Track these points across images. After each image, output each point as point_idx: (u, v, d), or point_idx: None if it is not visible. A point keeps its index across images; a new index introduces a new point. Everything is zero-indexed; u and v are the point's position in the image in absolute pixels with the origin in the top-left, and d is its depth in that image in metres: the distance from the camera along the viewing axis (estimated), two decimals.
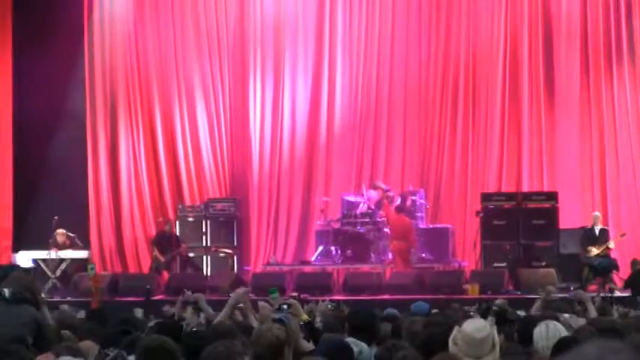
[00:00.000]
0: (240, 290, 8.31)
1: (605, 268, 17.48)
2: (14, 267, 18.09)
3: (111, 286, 17.91)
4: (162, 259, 19.03)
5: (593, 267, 17.43)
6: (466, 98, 20.29)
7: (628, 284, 16.49)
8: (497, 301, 9.82)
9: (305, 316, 6.94)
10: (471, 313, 9.85)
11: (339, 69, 20.84)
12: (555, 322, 6.32)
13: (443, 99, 20.43)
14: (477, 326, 5.53)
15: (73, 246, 19.28)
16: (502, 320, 7.82)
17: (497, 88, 20.11)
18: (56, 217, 19.24)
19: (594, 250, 17.75)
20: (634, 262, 17.40)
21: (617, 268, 17.60)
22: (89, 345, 6.55)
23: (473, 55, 20.30)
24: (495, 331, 5.74)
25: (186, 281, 17.11)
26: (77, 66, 21.16)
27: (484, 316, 7.97)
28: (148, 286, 16.43)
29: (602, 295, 13.88)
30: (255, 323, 7.69)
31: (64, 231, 19.22)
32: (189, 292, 9.54)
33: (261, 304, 8.13)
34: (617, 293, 15.67)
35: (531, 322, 6.65)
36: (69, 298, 16.64)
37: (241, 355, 4.75)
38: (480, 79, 20.28)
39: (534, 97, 19.98)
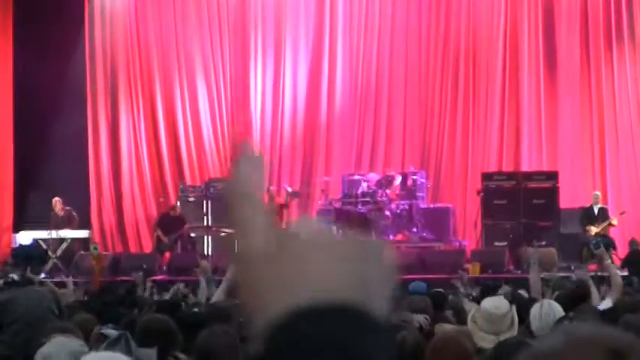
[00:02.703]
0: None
1: (604, 247, 17.42)
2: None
3: (112, 266, 17.92)
4: (165, 240, 19.03)
5: (590, 247, 17.38)
6: (466, 78, 20.26)
7: (625, 264, 16.48)
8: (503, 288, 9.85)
9: None
10: (473, 293, 9.88)
11: (340, 48, 20.80)
12: (551, 302, 6.32)
13: (443, 79, 20.41)
14: (495, 303, 5.56)
15: (69, 219, 19.25)
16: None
17: (497, 67, 20.08)
18: (56, 198, 19.24)
19: (593, 229, 17.76)
20: (632, 242, 17.38)
21: (614, 247, 17.58)
22: (89, 319, 6.56)
23: (473, 36, 20.26)
24: (514, 309, 5.76)
25: (188, 261, 17.14)
26: (78, 46, 21.13)
27: (484, 295, 7.99)
28: (144, 266, 16.50)
29: (599, 274, 13.87)
30: None
31: (60, 199, 19.22)
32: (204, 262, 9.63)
33: None
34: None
35: (526, 302, 6.66)
36: (70, 278, 16.66)
37: (234, 342, 4.75)
38: (481, 59, 20.25)
39: (534, 77, 19.95)
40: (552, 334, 1.15)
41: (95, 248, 15.93)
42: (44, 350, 4.56)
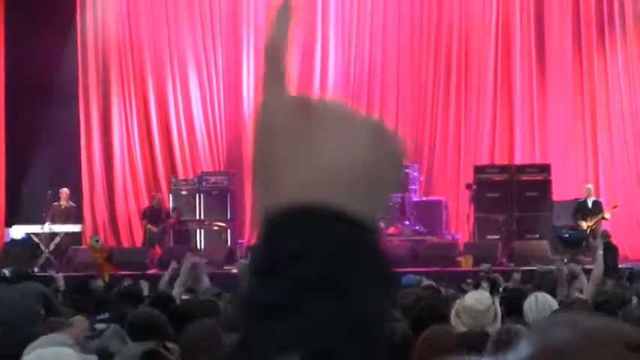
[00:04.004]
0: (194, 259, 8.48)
1: (575, 240, 17.39)
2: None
3: (107, 259, 17.87)
4: (154, 229, 19.03)
5: (562, 240, 17.34)
6: (458, 71, 20.26)
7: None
8: (482, 267, 9.85)
9: None
10: (464, 286, 9.90)
11: (332, 42, 20.78)
12: (545, 294, 6.34)
13: (435, 72, 20.40)
14: (478, 298, 5.57)
15: (69, 214, 19.25)
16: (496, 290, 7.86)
17: (489, 60, 20.08)
18: (50, 192, 19.21)
19: (585, 224, 17.75)
20: (603, 234, 17.14)
21: (587, 240, 17.52)
22: (79, 320, 6.56)
23: (465, 28, 20.26)
24: (497, 303, 5.78)
25: (180, 255, 17.10)
26: (69, 40, 21.08)
27: (477, 288, 8.00)
28: (145, 261, 16.51)
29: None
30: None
31: (67, 191, 19.29)
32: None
33: None
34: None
35: (519, 294, 6.66)
36: (61, 274, 16.60)
37: (219, 335, 4.75)
38: (473, 51, 20.24)
39: (526, 70, 19.96)
40: (556, 325, 1.13)
41: (97, 240, 15.80)
42: (31, 346, 4.55)
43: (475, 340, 4.52)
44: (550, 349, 1.09)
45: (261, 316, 0.88)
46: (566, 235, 17.35)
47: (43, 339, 4.63)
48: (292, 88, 0.97)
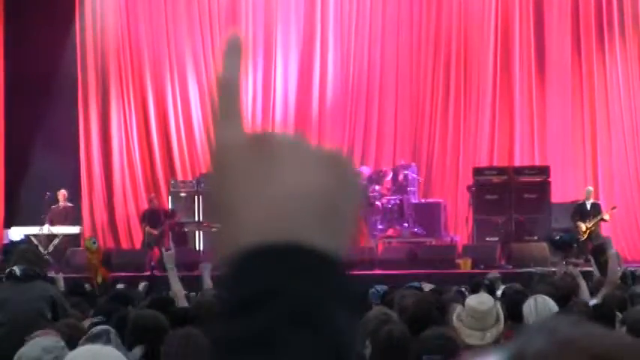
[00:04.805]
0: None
1: (565, 242, 17.38)
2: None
3: (103, 262, 17.86)
4: (154, 232, 19.02)
5: (553, 242, 17.32)
6: (458, 72, 20.26)
7: (587, 257, 16.38)
8: (489, 275, 9.84)
9: None
10: (463, 289, 9.88)
11: (331, 43, 20.78)
12: (544, 297, 6.34)
13: (435, 73, 20.40)
14: (480, 300, 5.57)
15: (67, 215, 19.24)
16: (492, 294, 7.85)
17: (488, 62, 20.08)
18: (49, 193, 19.20)
19: (583, 226, 17.74)
20: (606, 241, 17.06)
21: (577, 242, 17.51)
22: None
23: (464, 30, 20.26)
24: (499, 305, 5.78)
25: (179, 257, 17.06)
26: (69, 40, 21.06)
27: (474, 291, 8.00)
28: (152, 264, 16.52)
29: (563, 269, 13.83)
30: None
31: (65, 193, 19.28)
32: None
33: None
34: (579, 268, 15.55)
35: (519, 298, 6.66)
36: (60, 274, 16.60)
37: (199, 342, 4.74)
38: (472, 53, 20.24)
39: (525, 72, 19.96)
40: (537, 332, 1.13)
41: (94, 242, 15.79)
42: (21, 350, 4.55)
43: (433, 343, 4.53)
44: (520, 356, 1.09)
45: (237, 353, 0.88)
46: (557, 238, 17.34)
47: (33, 342, 4.62)
48: (246, 123, 0.98)
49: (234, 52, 1.00)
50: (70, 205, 19.45)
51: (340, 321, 0.90)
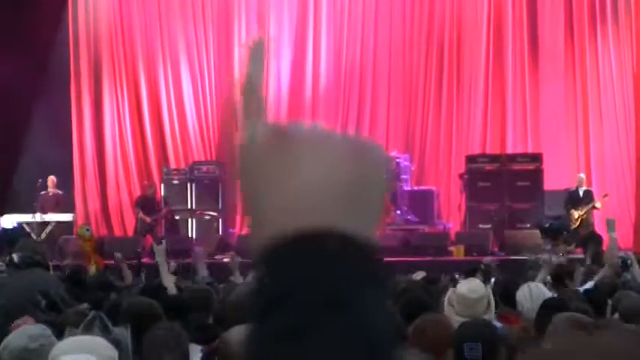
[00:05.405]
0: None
1: (555, 229, 17.41)
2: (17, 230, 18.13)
3: (97, 250, 17.84)
4: (147, 219, 18.99)
5: (543, 229, 17.36)
6: (450, 60, 20.25)
7: (578, 244, 16.45)
8: (485, 260, 9.85)
9: None
10: (456, 276, 9.91)
11: (324, 32, 20.75)
12: (538, 284, 6.36)
13: (427, 61, 20.38)
14: (471, 287, 5.58)
15: (57, 202, 19.20)
16: (488, 278, 7.87)
17: (481, 49, 20.07)
18: (40, 180, 19.16)
19: (576, 213, 17.78)
20: (608, 221, 17.18)
21: (567, 229, 17.54)
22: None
23: (457, 17, 20.24)
24: (490, 292, 5.79)
25: (171, 244, 17.09)
26: (61, 28, 21.00)
27: (469, 276, 8.01)
28: (138, 250, 16.46)
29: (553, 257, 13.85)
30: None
31: (54, 179, 19.22)
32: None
33: None
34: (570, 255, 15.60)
35: (512, 284, 6.68)
36: (54, 262, 16.60)
37: (181, 340, 4.73)
38: (465, 40, 20.23)
39: (518, 59, 19.96)
40: (576, 341, 1.14)
41: (87, 230, 15.75)
42: (7, 339, 4.53)
43: (474, 331, 4.52)
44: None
45: (275, 341, 0.90)
46: (547, 225, 17.38)
47: (19, 330, 4.60)
48: (269, 118, 0.99)
49: (258, 54, 1.03)
50: (59, 192, 19.39)
51: (372, 304, 0.92)
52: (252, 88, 1.02)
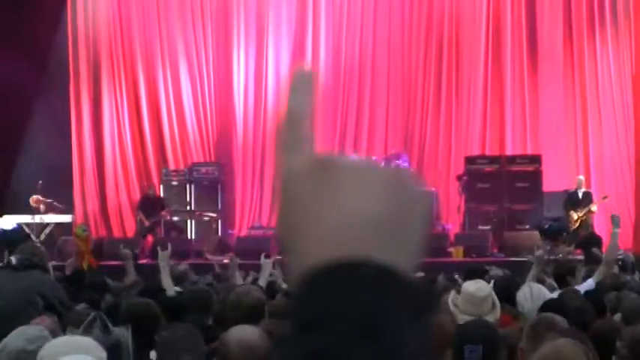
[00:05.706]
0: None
1: (555, 231, 17.41)
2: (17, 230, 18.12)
3: (95, 250, 17.83)
4: (146, 222, 18.98)
5: (542, 230, 17.36)
6: (449, 61, 20.25)
7: (578, 245, 16.46)
8: (492, 272, 9.82)
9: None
10: (456, 276, 9.90)
11: (323, 32, 20.75)
12: (539, 285, 6.36)
13: (427, 62, 20.38)
14: (478, 286, 5.59)
15: (50, 210, 19.17)
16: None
17: (480, 50, 20.07)
18: (40, 182, 19.14)
19: (575, 215, 17.77)
20: (613, 218, 17.14)
21: (567, 231, 17.54)
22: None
23: (456, 18, 20.24)
24: (494, 292, 5.79)
25: (171, 245, 17.04)
26: (60, 28, 20.98)
27: (468, 277, 8.00)
28: (135, 251, 16.42)
29: (552, 258, 13.86)
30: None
31: (38, 197, 19.11)
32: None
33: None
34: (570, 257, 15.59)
35: (512, 284, 6.68)
36: (53, 262, 16.57)
37: (199, 341, 4.72)
38: (464, 41, 20.23)
39: (517, 60, 19.96)
40: None
41: (84, 230, 15.74)
42: (4, 340, 4.52)
43: (474, 332, 4.51)
44: None
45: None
46: (546, 226, 17.39)
47: (16, 331, 4.59)
48: (314, 150, 1.01)
49: (302, 84, 1.04)
50: (49, 201, 19.25)
51: (408, 337, 0.91)
52: (294, 121, 1.02)
